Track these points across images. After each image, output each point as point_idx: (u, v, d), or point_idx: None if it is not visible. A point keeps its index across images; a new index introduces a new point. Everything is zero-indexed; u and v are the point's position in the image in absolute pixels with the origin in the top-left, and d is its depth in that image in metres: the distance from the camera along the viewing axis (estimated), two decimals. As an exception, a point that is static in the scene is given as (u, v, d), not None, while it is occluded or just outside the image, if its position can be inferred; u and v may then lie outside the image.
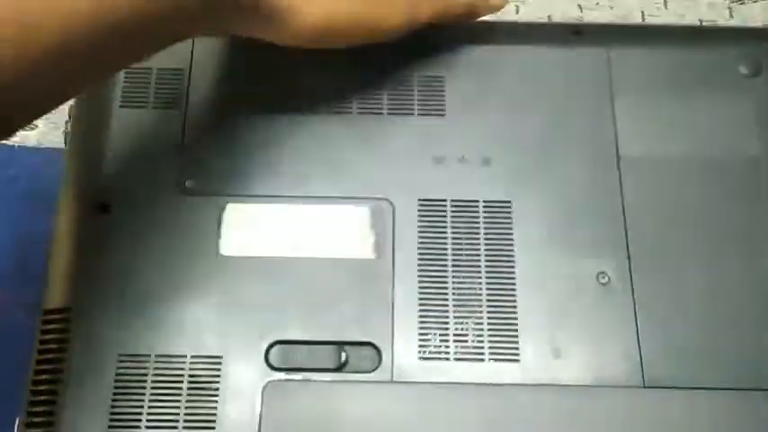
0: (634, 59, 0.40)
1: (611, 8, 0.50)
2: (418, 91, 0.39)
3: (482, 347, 0.34)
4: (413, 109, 0.39)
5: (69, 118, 0.38)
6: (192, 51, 0.39)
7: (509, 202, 0.37)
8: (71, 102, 0.37)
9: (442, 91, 0.39)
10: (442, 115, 0.39)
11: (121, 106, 0.38)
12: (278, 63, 0.39)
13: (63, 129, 0.38)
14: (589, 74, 0.39)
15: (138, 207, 0.36)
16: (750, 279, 0.36)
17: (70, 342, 0.34)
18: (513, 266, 0.35)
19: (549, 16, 0.50)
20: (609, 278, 0.35)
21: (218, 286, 0.35)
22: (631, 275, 0.35)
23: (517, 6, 0.50)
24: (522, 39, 0.41)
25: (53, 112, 0.43)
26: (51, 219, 0.36)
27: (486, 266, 0.35)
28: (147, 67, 0.39)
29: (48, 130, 0.45)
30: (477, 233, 0.36)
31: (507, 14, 0.50)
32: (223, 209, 0.36)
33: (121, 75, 0.39)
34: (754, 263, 0.36)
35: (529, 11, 0.50)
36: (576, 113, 0.39)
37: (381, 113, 0.38)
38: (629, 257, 0.36)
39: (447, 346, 0.34)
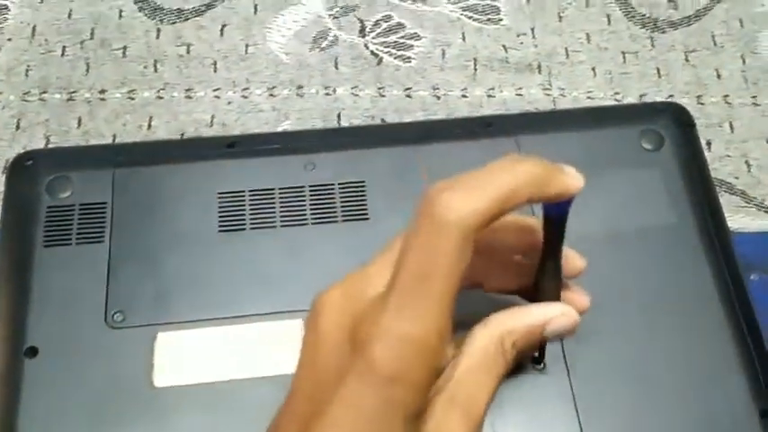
0: (541, 143, 0.41)
1: (536, 46, 0.52)
2: (340, 198, 0.40)
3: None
4: (336, 216, 0.39)
5: None
6: (112, 184, 0.40)
7: (439, 297, 0.37)
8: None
9: (364, 195, 0.40)
10: (366, 219, 0.39)
11: (45, 246, 0.38)
12: (199, 185, 0.40)
13: None
14: (502, 162, 0.41)
15: (66, 347, 0.36)
16: (679, 346, 0.36)
17: (4, 498, 0.32)
18: (449, 362, 0.36)
19: (474, 59, 0.51)
20: (545, 364, 0.36)
21: (156, 421, 0.34)
22: (565, 357, 0.36)
23: (443, 50, 0.51)
24: (437, 136, 0.42)
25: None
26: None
27: (423, 365, 0.35)
28: (69, 205, 0.39)
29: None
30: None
31: (434, 59, 0.51)
32: (154, 339, 0.36)
33: (44, 213, 0.39)
34: (681, 329, 0.37)
35: (455, 53, 0.51)
36: (494, 203, 0.40)
37: (306, 224, 0.39)
38: (561, 339, 0.36)
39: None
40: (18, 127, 0.47)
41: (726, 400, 0.35)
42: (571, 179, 0.27)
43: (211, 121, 0.48)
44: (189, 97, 0.48)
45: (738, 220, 0.45)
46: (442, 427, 0.25)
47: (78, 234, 0.38)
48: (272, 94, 0.49)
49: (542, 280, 0.29)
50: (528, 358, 0.35)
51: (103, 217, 0.39)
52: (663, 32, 0.52)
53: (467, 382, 0.26)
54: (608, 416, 0.35)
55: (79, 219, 0.39)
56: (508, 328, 0.27)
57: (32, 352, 0.36)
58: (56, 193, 0.40)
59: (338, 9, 0.53)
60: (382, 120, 0.48)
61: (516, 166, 0.25)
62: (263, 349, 0.36)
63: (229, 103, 0.48)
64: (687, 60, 0.51)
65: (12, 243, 0.38)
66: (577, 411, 0.35)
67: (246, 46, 0.51)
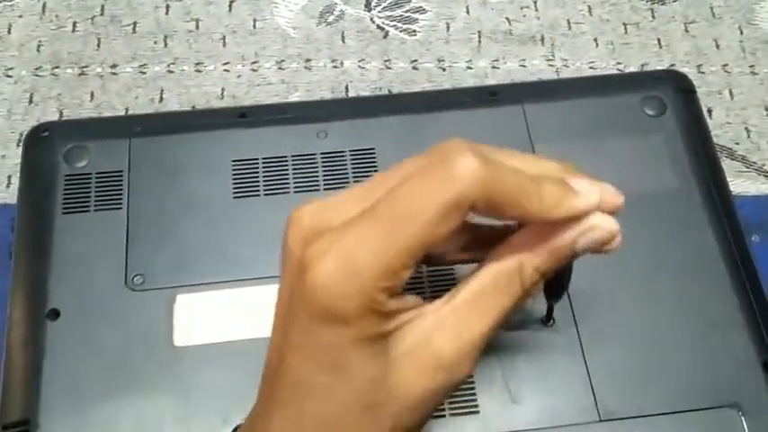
0: (546, 111, 0.42)
1: (539, 18, 0.52)
2: (351, 165, 0.41)
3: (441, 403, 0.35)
4: (347, 182, 0.40)
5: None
6: (128, 152, 0.40)
7: (451, 257, 0.38)
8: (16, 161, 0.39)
9: (374, 162, 0.41)
10: (377, 185, 0.40)
11: (64, 213, 0.39)
12: (214, 154, 0.41)
13: (6, 184, 0.40)
14: (508, 128, 0.42)
15: (88, 309, 0.36)
16: (684, 303, 0.37)
17: (31, 455, 0.33)
18: (461, 320, 0.37)
19: (478, 31, 0.52)
20: (554, 320, 0.37)
21: (176, 378, 0.35)
22: (574, 315, 0.37)
23: (447, 24, 0.52)
24: (444, 105, 0.43)
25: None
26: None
27: (436, 324, 0.36)
28: (86, 173, 0.40)
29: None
30: (423, 287, 0.37)
31: (439, 31, 0.52)
32: (173, 301, 0.37)
33: (62, 182, 0.40)
34: (685, 287, 0.38)
35: (459, 26, 0.52)
36: (502, 168, 0.41)
37: (318, 190, 0.40)
38: (569, 297, 0.37)
39: (407, 407, 0.34)
40: (31, 101, 0.48)
41: (730, 353, 0.36)
42: (584, 202, 0.25)
43: (222, 94, 0.48)
44: (199, 71, 0.49)
45: (739, 184, 0.47)
46: (423, 342, 0.24)
47: (96, 201, 0.39)
48: (280, 68, 0.50)
49: None
50: (537, 320, 0.37)
51: (120, 184, 0.40)
52: (663, 4, 0.53)
53: (468, 302, 0.25)
54: (616, 370, 0.36)
55: (97, 186, 0.40)
56: (530, 251, 0.25)
57: (54, 314, 0.36)
58: (73, 161, 0.40)
59: (344, -16, 0.53)
60: (389, 91, 0.49)
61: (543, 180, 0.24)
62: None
63: (239, 76, 0.49)
64: (687, 31, 0.52)
65: (31, 211, 0.39)
66: (587, 366, 0.36)
67: (254, 21, 0.51)
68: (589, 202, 0.25)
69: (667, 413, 0.35)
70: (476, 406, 0.35)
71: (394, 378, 0.24)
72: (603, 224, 0.26)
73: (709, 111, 0.49)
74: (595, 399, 0.35)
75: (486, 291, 0.25)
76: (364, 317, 0.23)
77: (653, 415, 0.35)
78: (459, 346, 0.24)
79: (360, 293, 0.23)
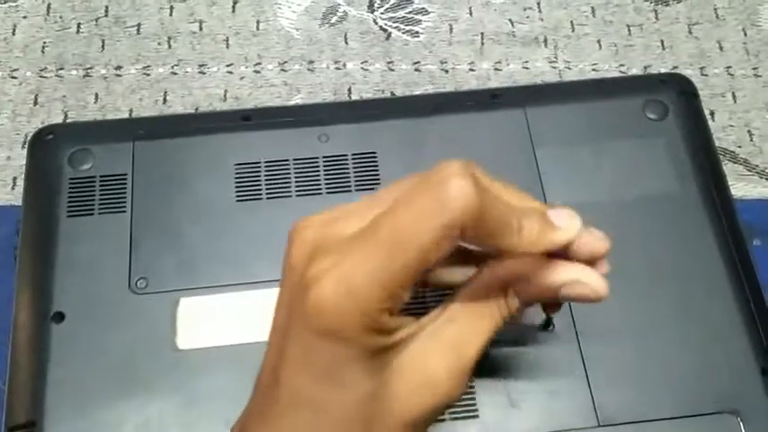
0: (548, 115, 0.42)
1: (542, 20, 0.52)
2: (354, 168, 0.41)
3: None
4: (349, 186, 0.40)
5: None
6: (132, 155, 0.41)
7: (450, 263, 0.38)
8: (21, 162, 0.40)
9: (376, 166, 0.41)
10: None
11: (68, 216, 0.39)
12: (217, 157, 0.41)
13: (11, 185, 0.41)
14: (510, 132, 0.42)
15: (92, 312, 0.37)
16: (683, 308, 0.38)
17: (37, 457, 0.34)
18: (461, 325, 0.37)
19: (481, 33, 0.52)
20: (553, 325, 0.37)
21: (179, 381, 0.35)
22: (573, 320, 0.37)
23: (450, 25, 0.52)
24: (446, 108, 0.43)
25: (1, 169, 0.46)
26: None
27: (437, 328, 0.37)
28: (90, 176, 0.40)
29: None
30: (425, 294, 0.37)
31: (442, 33, 0.52)
32: (176, 304, 0.37)
33: (66, 185, 0.40)
34: (685, 292, 0.38)
35: (462, 27, 0.52)
36: (503, 169, 0.40)
37: (320, 194, 0.40)
38: (569, 302, 0.37)
39: (408, 411, 0.35)
40: (36, 102, 0.48)
41: (729, 359, 0.36)
42: (563, 236, 0.26)
43: (225, 96, 0.49)
44: (202, 73, 0.49)
45: (741, 187, 0.47)
46: (418, 359, 0.25)
47: (100, 204, 0.40)
48: (283, 69, 0.50)
49: None
50: (536, 325, 0.37)
51: (124, 188, 0.40)
52: (666, 5, 0.53)
53: (458, 321, 0.25)
54: (615, 375, 0.36)
55: (101, 190, 0.40)
56: (518, 279, 0.26)
57: (59, 317, 0.37)
58: (77, 165, 0.41)
59: (347, -15, 0.54)
60: (392, 93, 0.49)
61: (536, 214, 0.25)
62: (282, 314, 0.37)
63: (242, 78, 0.49)
64: (690, 33, 0.52)
65: (36, 214, 0.40)
66: (586, 371, 0.36)
67: (258, 22, 0.52)
68: (567, 236, 0.26)
69: (666, 419, 0.35)
70: (475, 410, 0.35)
71: (390, 393, 0.24)
72: (592, 283, 0.26)
73: (712, 113, 0.49)
74: (594, 404, 0.35)
75: (477, 307, 0.26)
76: (364, 335, 0.23)
77: (652, 420, 0.35)
78: (451, 368, 0.25)
79: (360, 314, 0.23)
